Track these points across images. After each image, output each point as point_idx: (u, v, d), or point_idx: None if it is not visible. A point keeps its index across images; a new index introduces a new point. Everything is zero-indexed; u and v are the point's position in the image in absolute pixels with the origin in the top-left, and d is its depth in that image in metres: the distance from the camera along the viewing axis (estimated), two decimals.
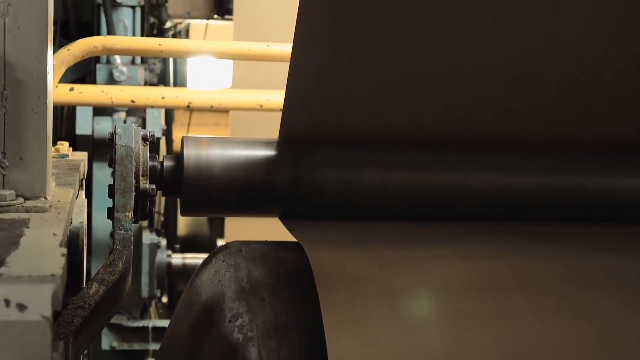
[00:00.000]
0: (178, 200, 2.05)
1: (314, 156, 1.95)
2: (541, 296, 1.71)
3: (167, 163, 1.95)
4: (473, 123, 1.98)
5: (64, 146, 2.68)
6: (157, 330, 5.43)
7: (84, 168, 2.47)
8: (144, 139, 1.90)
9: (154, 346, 5.38)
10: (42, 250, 1.40)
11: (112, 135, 1.87)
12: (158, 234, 5.93)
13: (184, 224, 8.09)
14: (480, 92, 1.94)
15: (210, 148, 1.95)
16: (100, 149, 5.11)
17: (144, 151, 1.89)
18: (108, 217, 1.86)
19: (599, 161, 2.07)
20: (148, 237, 5.61)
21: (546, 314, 1.68)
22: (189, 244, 7.61)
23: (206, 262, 1.90)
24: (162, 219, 6.22)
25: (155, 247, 5.72)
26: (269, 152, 1.95)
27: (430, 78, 1.90)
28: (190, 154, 1.92)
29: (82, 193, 2.43)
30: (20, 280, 1.20)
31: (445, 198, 1.98)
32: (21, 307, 1.16)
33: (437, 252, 1.84)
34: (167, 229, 7.02)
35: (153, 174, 1.92)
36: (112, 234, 1.83)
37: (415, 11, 1.81)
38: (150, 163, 1.90)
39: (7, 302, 1.16)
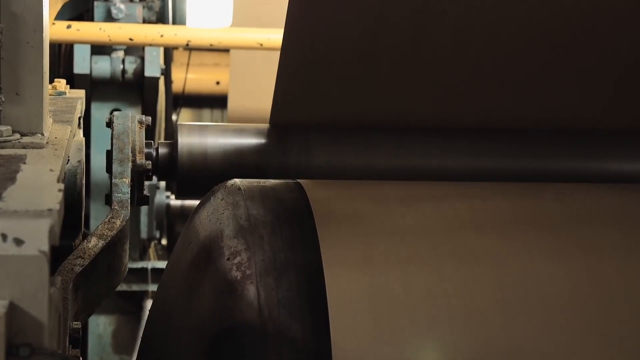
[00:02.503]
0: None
1: (302, 142, 2.03)
2: (544, 233, 1.72)
3: (162, 150, 2.08)
4: (455, 111, 2.03)
5: (61, 84, 2.64)
6: (156, 271, 5.44)
7: (81, 106, 2.45)
8: (140, 122, 2.04)
9: (153, 287, 5.40)
10: (39, 185, 1.38)
11: (110, 119, 2.03)
12: None
13: None
14: (459, 82, 1.96)
15: (203, 136, 2.06)
16: (99, 88, 5.05)
17: (139, 133, 2.03)
18: (106, 203, 1.98)
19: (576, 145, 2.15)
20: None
21: (549, 251, 1.69)
22: None
23: (205, 200, 1.90)
24: None
25: (154, 188, 5.71)
26: (259, 139, 2.04)
27: (414, 68, 1.92)
28: (184, 142, 2.04)
29: (80, 132, 2.41)
30: (17, 215, 1.19)
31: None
32: (18, 242, 1.15)
33: (438, 191, 1.83)
34: None
35: (149, 159, 2.04)
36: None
37: (400, 6, 1.81)
38: (146, 150, 2.02)
39: (3, 237, 1.15)
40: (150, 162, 2.02)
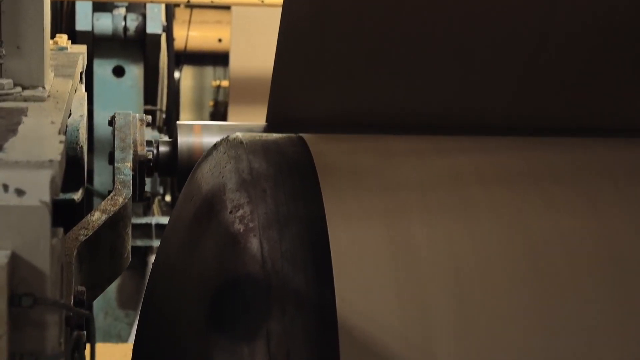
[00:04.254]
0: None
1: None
2: (549, 186, 1.72)
3: (163, 149, 2.19)
4: (449, 112, 2.04)
5: (62, 39, 2.63)
6: (160, 227, 5.46)
7: (83, 61, 2.43)
8: (140, 120, 2.15)
9: (156, 243, 5.42)
10: (40, 137, 1.38)
11: (112, 117, 2.13)
12: (160, 131, 5.92)
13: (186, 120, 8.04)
14: (457, 81, 1.96)
15: (202, 135, 2.16)
16: (100, 45, 5.03)
17: (140, 128, 2.13)
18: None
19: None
20: (150, 134, 5.59)
21: (555, 204, 1.69)
22: None
23: (207, 154, 1.90)
24: (164, 116, 6.19)
25: None
26: None
27: (406, 69, 1.92)
28: (184, 140, 2.15)
29: (82, 87, 2.40)
30: (18, 166, 1.19)
31: None
32: (19, 192, 1.15)
33: (442, 144, 1.83)
34: (169, 126, 6.98)
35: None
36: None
37: (396, 7, 1.80)
38: (147, 148, 2.11)
39: (5, 187, 1.15)
40: (151, 153, 2.11)
